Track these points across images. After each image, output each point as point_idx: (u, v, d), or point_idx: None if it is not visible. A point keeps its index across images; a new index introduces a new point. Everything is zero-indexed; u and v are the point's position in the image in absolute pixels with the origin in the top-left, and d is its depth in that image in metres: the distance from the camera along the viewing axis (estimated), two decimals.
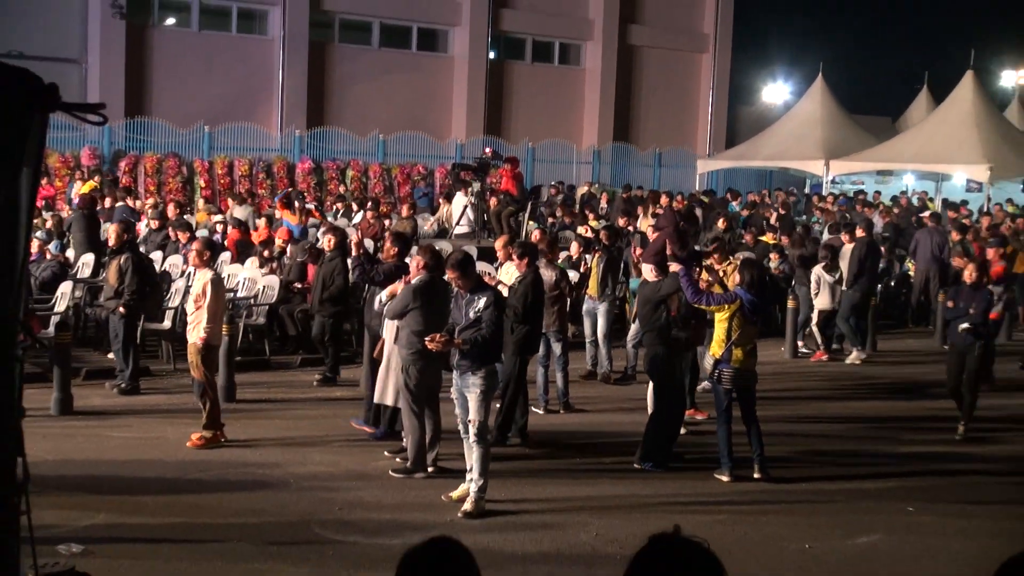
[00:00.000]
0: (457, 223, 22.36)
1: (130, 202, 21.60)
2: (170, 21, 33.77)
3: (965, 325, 11.95)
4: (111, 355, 13.65)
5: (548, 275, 12.80)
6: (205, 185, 28.19)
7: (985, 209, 29.03)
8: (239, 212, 21.76)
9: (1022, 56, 48.71)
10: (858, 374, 16.26)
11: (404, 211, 23.61)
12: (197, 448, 10.81)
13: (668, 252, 12.13)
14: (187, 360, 11.24)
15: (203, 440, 10.87)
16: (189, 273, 11.40)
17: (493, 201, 22.66)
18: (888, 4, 73.28)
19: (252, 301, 15.54)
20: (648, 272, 11.51)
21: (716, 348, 10.53)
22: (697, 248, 14.11)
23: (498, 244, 13.29)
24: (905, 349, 18.10)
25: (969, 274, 12.34)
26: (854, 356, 16.87)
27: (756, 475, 10.21)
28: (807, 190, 36.26)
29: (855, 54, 58.23)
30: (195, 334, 10.89)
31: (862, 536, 8.71)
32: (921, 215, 26.19)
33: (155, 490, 9.52)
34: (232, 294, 15.15)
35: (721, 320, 10.50)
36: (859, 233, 17.64)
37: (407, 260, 11.31)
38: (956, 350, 12.31)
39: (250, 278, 16.07)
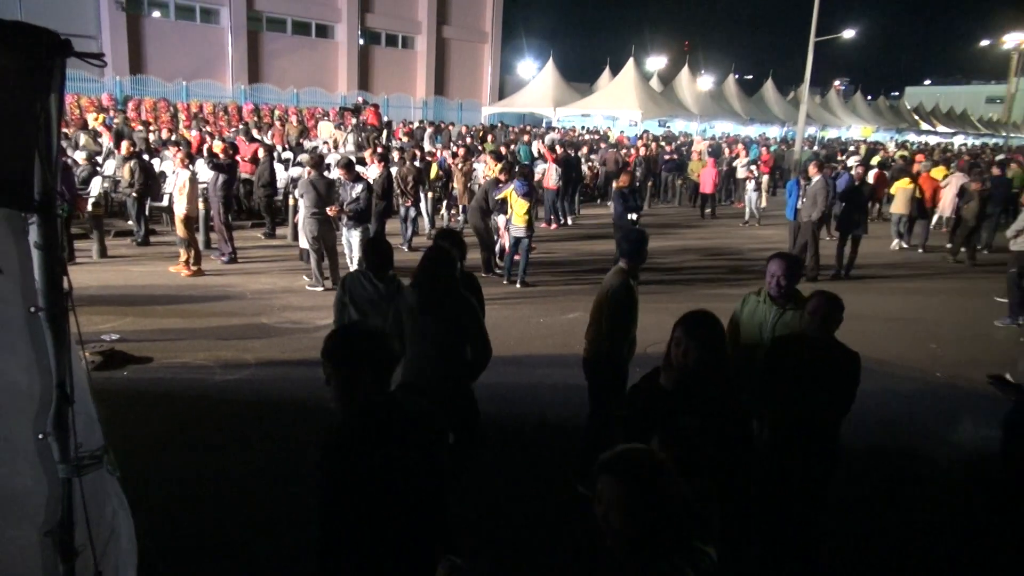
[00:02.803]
0: (344, 144, 21.51)
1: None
2: (156, 13, 30.74)
3: (634, 216, 11.20)
4: (130, 222, 12.66)
5: (412, 170, 12.53)
6: (186, 119, 26.07)
7: (639, 136, 29.91)
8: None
9: (657, 52, 50.28)
10: (565, 233, 16.58)
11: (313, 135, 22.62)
12: (188, 277, 10.30)
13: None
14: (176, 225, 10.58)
15: (191, 272, 10.37)
16: (176, 171, 10.68)
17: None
18: (588, 18, 74.21)
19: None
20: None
21: (509, 212, 10.79)
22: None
23: (367, 154, 12.87)
24: (594, 214, 18.56)
25: (626, 181, 11.42)
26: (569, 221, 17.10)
27: (517, 284, 10.48)
28: (543, 126, 36.37)
29: (571, 47, 58.75)
30: (179, 210, 10.27)
31: (571, 313, 9.09)
32: (607, 139, 26.66)
33: (162, 302, 9.04)
34: (204, 185, 14.20)
35: (508, 198, 10.72)
36: (559, 150, 17.76)
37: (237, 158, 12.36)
38: (622, 227, 11.95)
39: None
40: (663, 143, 26.90)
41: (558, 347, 7.44)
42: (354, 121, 21.89)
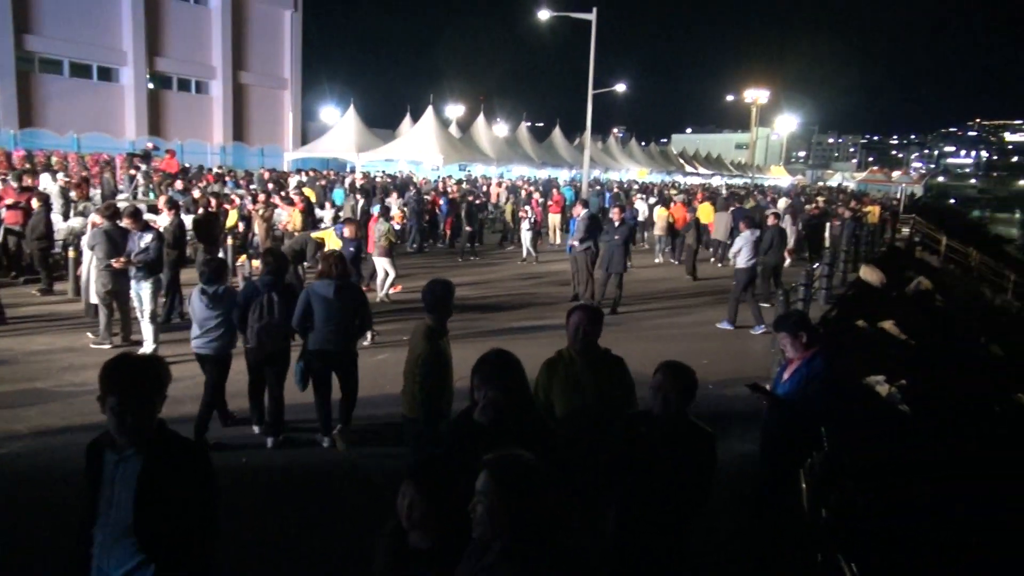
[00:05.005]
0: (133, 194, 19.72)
1: None
2: None
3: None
4: None
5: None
6: None
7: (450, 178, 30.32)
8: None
9: (455, 100, 51.80)
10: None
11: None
12: None
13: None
14: None
15: None
16: None
17: (156, 177, 20.40)
18: (387, 67, 74.95)
19: None
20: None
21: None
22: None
23: (160, 202, 11.94)
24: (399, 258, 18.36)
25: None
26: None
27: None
28: (348, 170, 35.69)
29: (372, 94, 59.19)
30: None
31: (380, 355, 8.83)
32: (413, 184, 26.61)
33: None
34: None
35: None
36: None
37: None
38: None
39: None
40: (467, 186, 27.53)
41: (368, 388, 7.26)
42: (143, 167, 20.31)
